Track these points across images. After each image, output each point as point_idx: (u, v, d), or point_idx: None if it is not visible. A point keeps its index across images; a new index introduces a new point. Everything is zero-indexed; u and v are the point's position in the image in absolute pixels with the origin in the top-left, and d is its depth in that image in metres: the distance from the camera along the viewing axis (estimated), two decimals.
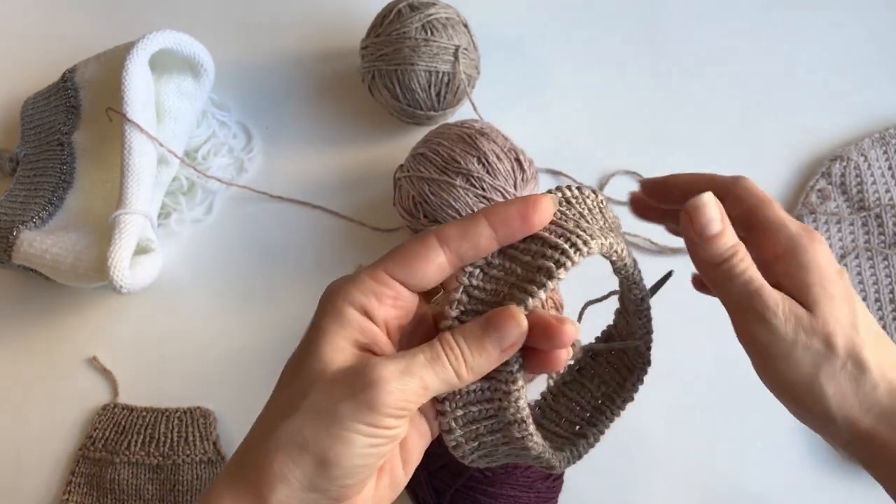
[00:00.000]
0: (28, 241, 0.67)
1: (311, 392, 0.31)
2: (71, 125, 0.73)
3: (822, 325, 0.36)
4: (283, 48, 0.80)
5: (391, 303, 0.33)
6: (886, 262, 0.71)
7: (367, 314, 0.32)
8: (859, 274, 0.71)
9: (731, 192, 0.39)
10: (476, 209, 0.63)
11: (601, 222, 0.35)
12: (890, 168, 0.74)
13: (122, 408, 0.68)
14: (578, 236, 0.32)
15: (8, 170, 0.75)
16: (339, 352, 0.32)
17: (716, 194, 0.37)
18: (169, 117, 0.71)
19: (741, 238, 0.38)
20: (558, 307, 0.63)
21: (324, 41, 0.80)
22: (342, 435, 0.30)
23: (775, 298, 0.36)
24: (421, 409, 0.34)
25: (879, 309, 0.70)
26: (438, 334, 0.32)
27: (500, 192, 0.63)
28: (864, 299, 0.70)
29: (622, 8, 0.81)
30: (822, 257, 0.37)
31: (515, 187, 0.64)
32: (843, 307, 0.36)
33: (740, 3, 0.81)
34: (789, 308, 0.36)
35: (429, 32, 0.68)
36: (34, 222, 0.69)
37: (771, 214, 0.38)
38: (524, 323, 0.31)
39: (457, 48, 0.68)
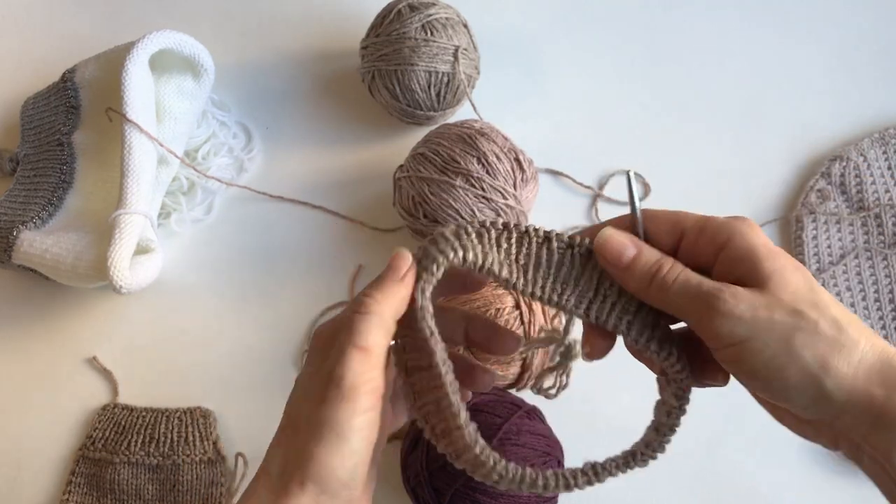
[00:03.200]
0: (28, 241, 0.67)
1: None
2: (71, 125, 0.73)
3: (781, 295, 0.33)
4: (283, 48, 0.80)
5: (386, 337, 0.36)
6: (886, 262, 0.71)
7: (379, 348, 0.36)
8: (859, 274, 0.71)
9: (646, 221, 0.38)
10: (476, 209, 0.63)
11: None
12: (889, 168, 0.74)
13: (122, 408, 0.68)
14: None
15: (8, 170, 0.75)
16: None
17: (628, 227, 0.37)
18: (169, 117, 0.71)
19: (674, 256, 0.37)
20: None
21: (324, 41, 0.81)
22: (330, 437, 0.33)
23: (717, 286, 0.34)
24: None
25: (879, 309, 0.70)
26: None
27: (499, 192, 0.63)
28: (864, 299, 0.70)
29: (622, 8, 0.81)
30: (760, 237, 0.35)
31: (515, 187, 0.64)
32: (796, 274, 0.34)
33: (740, 3, 0.81)
34: (738, 291, 0.34)
35: (429, 32, 0.68)
36: (34, 222, 0.69)
37: (691, 218, 0.37)
38: (409, 255, 0.36)
39: (457, 48, 0.68)
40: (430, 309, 0.36)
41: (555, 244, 0.39)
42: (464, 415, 0.35)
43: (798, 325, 0.33)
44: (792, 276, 0.34)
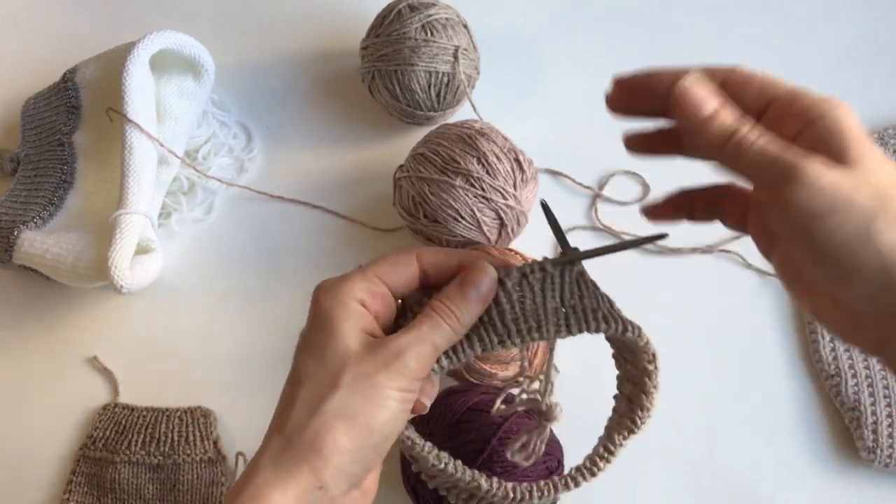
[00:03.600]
0: (29, 241, 0.67)
1: (345, 370, 0.36)
2: (71, 125, 0.73)
3: (867, 177, 0.31)
4: (283, 48, 0.80)
5: (381, 300, 0.38)
6: None
7: (366, 307, 0.38)
8: None
9: (731, 80, 0.36)
10: (476, 209, 0.63)
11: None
12: None
13: (123, 407, 0.68)
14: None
15: (9, 170, 0.75)
16: (354, 336, 0.37)
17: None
18: (169, 117, 0.71)
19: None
20: None
21: (324, 41, 0.81)
22: (382, 402, 0.35)
23: (804, 153, 0.32)
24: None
25: None
26: (427, 306, 0.38)
27: (499, 192, 0.64)
28: None
29: (622, 8, 0.81)
30: (854, 120, 0.33)
31: (515, 187, 0.65)
32: (886, 164, 0.32)
33: (740, 3, 0.81)
34: (823, 164, 0.31)
35: (428, 33, 0.68)
36: (35, 222, 0.69)
37: (782, 88, 0.35)
38: (493, 273, 0.38)
39: (456, 48, 0.68)
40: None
41: (508, 284, 0.39)
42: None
43: (882, 208, 0.30)
44: (880, 164, 0.32)
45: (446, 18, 0.69)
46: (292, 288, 0.72)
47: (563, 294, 0.38)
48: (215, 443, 0.66)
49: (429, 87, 0.69)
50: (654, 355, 0.40)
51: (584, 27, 0.80)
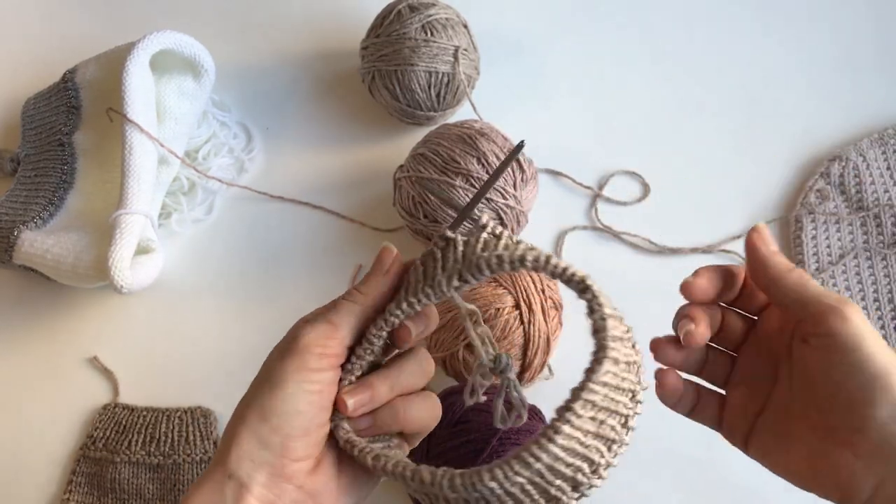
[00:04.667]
0: (29, 241, 0.67)
1: (263, 368, 0.38)
2: (72, 125, 0.73)
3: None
4: (283, 48, 0.80)
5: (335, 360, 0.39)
6: (885, 262, 0.71)
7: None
8: (858, 274, 0.71)
9: (775, 280, 0.40)
10: (476, 209, 0.63)
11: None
12: (888, 168, 0.74)
13: (123, 407, 0.68)
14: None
15: (9, 170, 0.75)
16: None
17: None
18: (169, 118, 0.71)
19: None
20: (558, 307, 0.63)
21: (324, 41, 0.81)
22: (276, 383, 0.36)
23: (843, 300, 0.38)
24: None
25: (878, 309, 0.70)
26: None
27: (499, 192, 0.64)
28: (863, 299, 0.71)
29: (622, 9, 0.81)
30: (853, 326, 0.38)
31: (515, 187, 0.65)
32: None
33: (740, 3, 0.81)
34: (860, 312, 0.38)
35: (428, 33, 0.68)
36: (35, 222, 0.69)
37: (813, 304, 0.39)
38: (392, 248, 0.39)
39: (456, 49, 0.68)
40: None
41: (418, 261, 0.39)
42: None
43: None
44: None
45: (446, 18, 0.69)
46: (292, 287, 0.72)
47: (464, 253, 0.38)
48: (215, 443, 0.67)
49: (429, 87, 0.69)
50: (584, 282, 0.35)
51: (585, 27, 0.81)
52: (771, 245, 0.41)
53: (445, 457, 0.58)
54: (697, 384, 0.44)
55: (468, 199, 0.63)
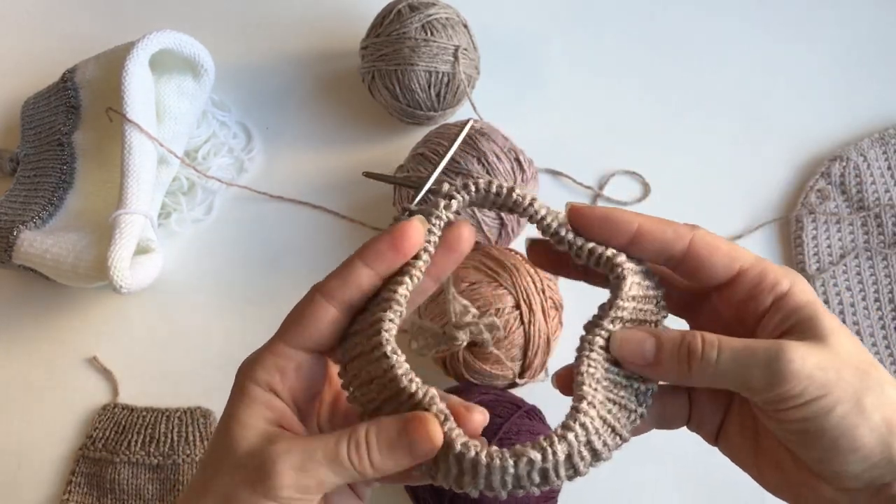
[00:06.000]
0: (28, 241, 0.67)
1: (217, 476, 0.31)
2: (71, 125, 0.73)
3: (841, 353, 0.32)
4: (283, 48, 0.80)
5: (294, 374, 0.33)
6: (886, 262, 0.71)
7: (273, 390, 0.33)
8: (859, 274, 0.71)
9: (697, 247, 0.35)
10: (476, 209, 0.63)
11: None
12: (889, 168, 0.74)
13: (123, 408, 0.68)
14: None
15: (8, 170, 0.75)
16: (247, 430, 0.32)
17: (673, 255, 0.35)
18: (169, 117, 0.71)
19: (706, 299, 0.36)
20: (558, 307, 0.63)
21: (324, 41, 0.81)
22: None
23: (777, 344, 0.32)
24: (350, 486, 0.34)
25: (879, 309, 0.70)
26: (351, 428, 0.32)
27: None
28: (864, 299, 0.70)
29: (622, 8, 0.81)
30: (810, 291, 0.34)
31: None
32: (849, 335, 0.33)
33: (740, 4, 0.81)
34: (802, 348, 0.32)
35: (429, 33, 0.68)
36: (34, 222, 0.69)
37: (749, 257, 0.35)
38: (438, 437, 0.31)
39: (457, 48, 0.68)
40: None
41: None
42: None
43: (866, 386, 0.32)
44: (847, 337, 0.33)
45: (446, 18, 0.69)
46: (292, 288, 0.71)
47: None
48: None
49: (429, 86, 0.69)
50: (532, 205, 0.35)
51: (585, 27, 0.80)
52: (640, 356, 0.34)
53: None
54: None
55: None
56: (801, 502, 0.35)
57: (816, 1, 0.81)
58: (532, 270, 0.62)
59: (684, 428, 0.40)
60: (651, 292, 0.36)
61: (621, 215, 0.35)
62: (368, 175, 0.42)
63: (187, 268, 0.73)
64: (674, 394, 0.37)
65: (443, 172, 0.64)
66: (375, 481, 0.35)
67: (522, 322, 0.60)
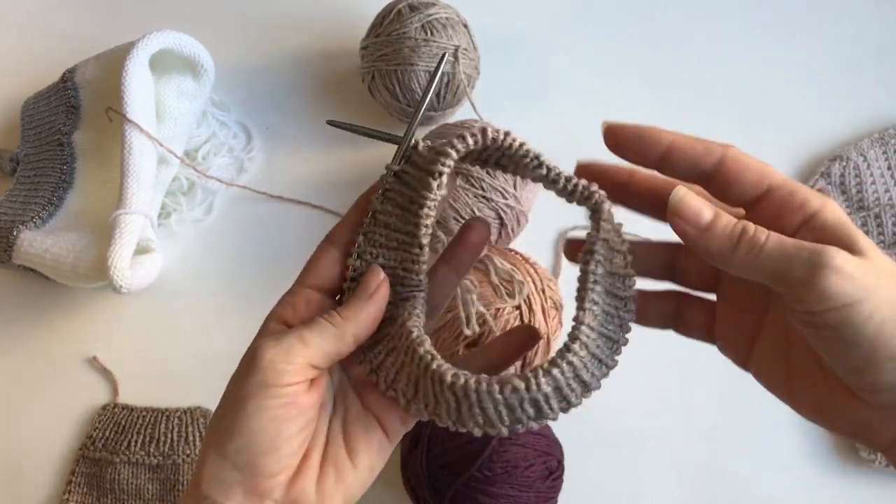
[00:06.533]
0: (28, 240, 0.67)
1: (230, 383, 0.37)
2: (71, 125, 0.73)
3: (884, 266, 0.32)
4: (283, 48, 0.80)
5: (304, 307, 0.39)
6: None
7: (285, 322, 0.39)
8: None
9: (729, 163, 0.36)
10: (476, 209, 0.63)
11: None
12: (889, 168, 0.74)
13: (122, 408, 0.68)
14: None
15: (8, 170, 0.75)
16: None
17: (704, 171, 0.35)
18: (169, 117, 0.71)
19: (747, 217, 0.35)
20: (558, 307, 0.63)
21: (324, 41, 0.81)
22: (236, 402, 0.35)
23: (822, 245, 0.31)
24: (371, 408, 0.38)
25: None
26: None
27: (499, 191, 0.64)
28: None
29: (622, 8, 0.81)
30: (842, 212, 0.34)
31: (515, 187, 0.64)
32: (882, 253, 0.33)
33: (740, 4, 0.81)
34: (845, 252, 0.31)
35: (428, 32, 0.68)
36: (34, 222, 0.69)
37: (778, 177, 0.35)
38: (382, 274, 0.38)
39: (456, 48, 0.68)
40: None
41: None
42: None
43: None
44: (882, 253, 0.33)
45: (446, 18, 0.69)
46: None
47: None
48: None
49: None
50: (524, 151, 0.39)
51: (585, 27, 0.80)
52: (701, 216, 0.34)
53: (445, 457, 0.58)
54: (677, 291, 0.40)
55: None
56: (835, 423, 0.34)
57: (816, 1, 0.81)
58: (532, 270, 0.62)
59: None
60: (620, 245, 0.38)
61: (653, 132, 0.36)
62: (332, 123, 0.43)
63: (187, 268, 0.73)
64: (693, 305, 0.39)
65: None
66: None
67: (522, 322, 0.60)
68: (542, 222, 0.72)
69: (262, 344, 0.36)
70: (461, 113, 0.74)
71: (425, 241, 0.37)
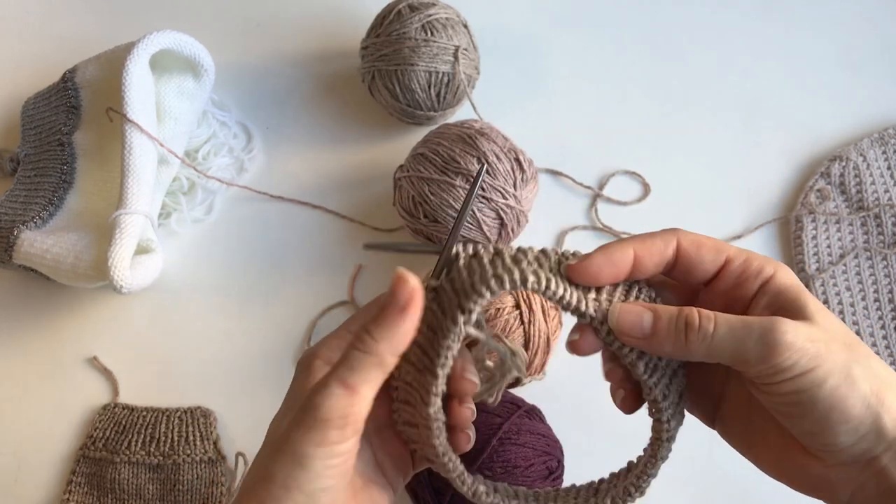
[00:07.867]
0: (29, 240, 0.67)
1: (275, 432, 0.35)
2: (71, 125, 0.73)
3: (832, 330, 0.34)
4: (283, 48, 0.80)
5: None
6: (885, 262, 0.71)
7: (331, 364, 0.36)
8: (858, 274, 0.71)
9: (686, 245, 0.37)
10: (476, 209, 0.63)
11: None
12: (889, 168, 0.74)
13: (123, 407, 0.68)
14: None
15: (8, 170, 0.75)
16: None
17: (669, 262, 0.36)
18: (169, 117, 0.71)
19: (699, 294, 0.37)
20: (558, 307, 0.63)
21: (324, 41, 0.81)
22: (299, 460, 0.33)
23: (770, 319, 0.33)
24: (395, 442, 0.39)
25: (879, 309, 0.70)
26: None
27: (499, 192, 0.64)
28: (863, 299, 0.71)
29: (622, 9, 0.81)
30: (793, 276, 0.36)
31: (515, 187, 0.65)
32: (832, 315, 0.35)
33: (740, 3, 0.81)
34: (793, 322, 0.33)
35: (429, 33, 0.68)
36: (35, 222, 0.69)
37: (732, 248, 0.36)
38: (412, 279, 0.33)
39: (457, 48, 0.68)
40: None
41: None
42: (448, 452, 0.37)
43: (854, 359, 0.33)
44: (831, 316, 0.35)
45: (446, 18, 0.69)
46: (292, 288, 0.72)
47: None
48: (215, 443, 0.66)
49: (429, 86, 0.69)
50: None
51: (585, 27, 0.80)
52: (638, 326, 0.35)
53: None
54: None
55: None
56: (795, 480, 0.36)
57: (816, 1, 0.81)
58: None
59: (685, 427, 0.41)
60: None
61: (613, 255, 0.36)
62: (369, 246, 0.40)
63: (187, 268, 0.73)
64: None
65: (442, 169, 0.64)
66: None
67: (522, 322, 0.60)
68: (542, 222, 0.72)
69: (317, 396, 0.33)
70: (461, 113, 0.74)
71: (441, 372, 0.35)
